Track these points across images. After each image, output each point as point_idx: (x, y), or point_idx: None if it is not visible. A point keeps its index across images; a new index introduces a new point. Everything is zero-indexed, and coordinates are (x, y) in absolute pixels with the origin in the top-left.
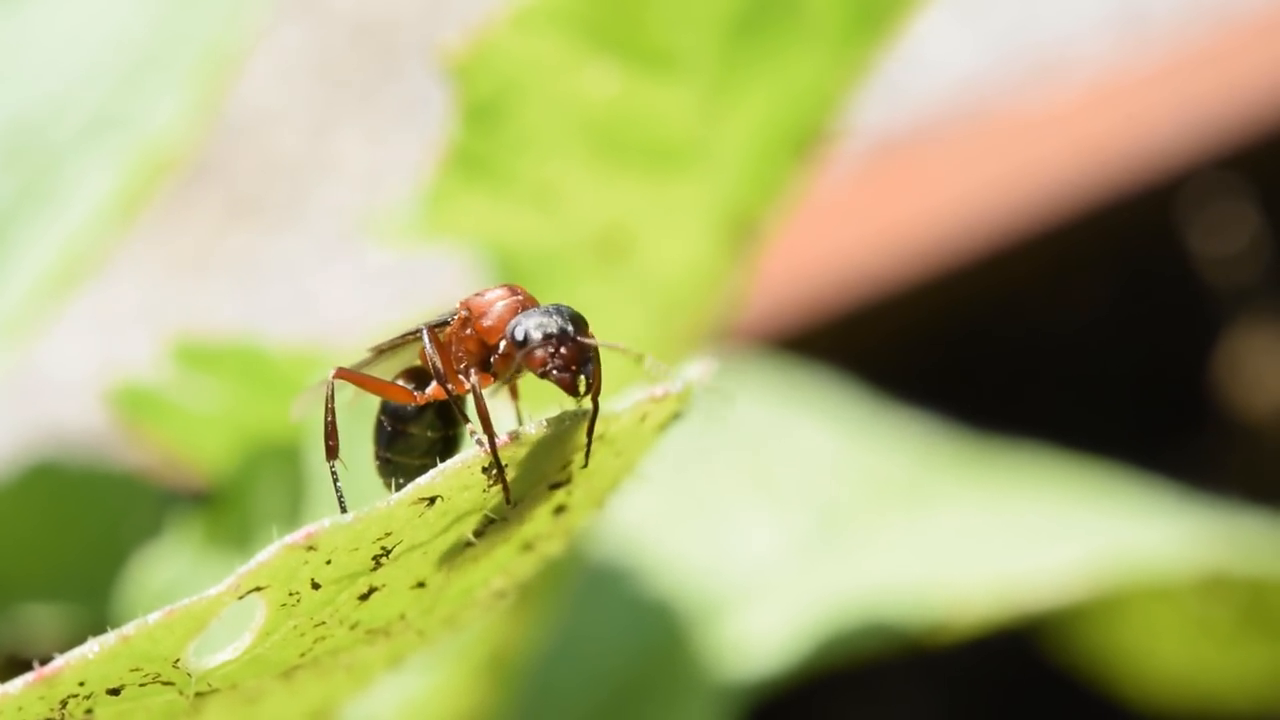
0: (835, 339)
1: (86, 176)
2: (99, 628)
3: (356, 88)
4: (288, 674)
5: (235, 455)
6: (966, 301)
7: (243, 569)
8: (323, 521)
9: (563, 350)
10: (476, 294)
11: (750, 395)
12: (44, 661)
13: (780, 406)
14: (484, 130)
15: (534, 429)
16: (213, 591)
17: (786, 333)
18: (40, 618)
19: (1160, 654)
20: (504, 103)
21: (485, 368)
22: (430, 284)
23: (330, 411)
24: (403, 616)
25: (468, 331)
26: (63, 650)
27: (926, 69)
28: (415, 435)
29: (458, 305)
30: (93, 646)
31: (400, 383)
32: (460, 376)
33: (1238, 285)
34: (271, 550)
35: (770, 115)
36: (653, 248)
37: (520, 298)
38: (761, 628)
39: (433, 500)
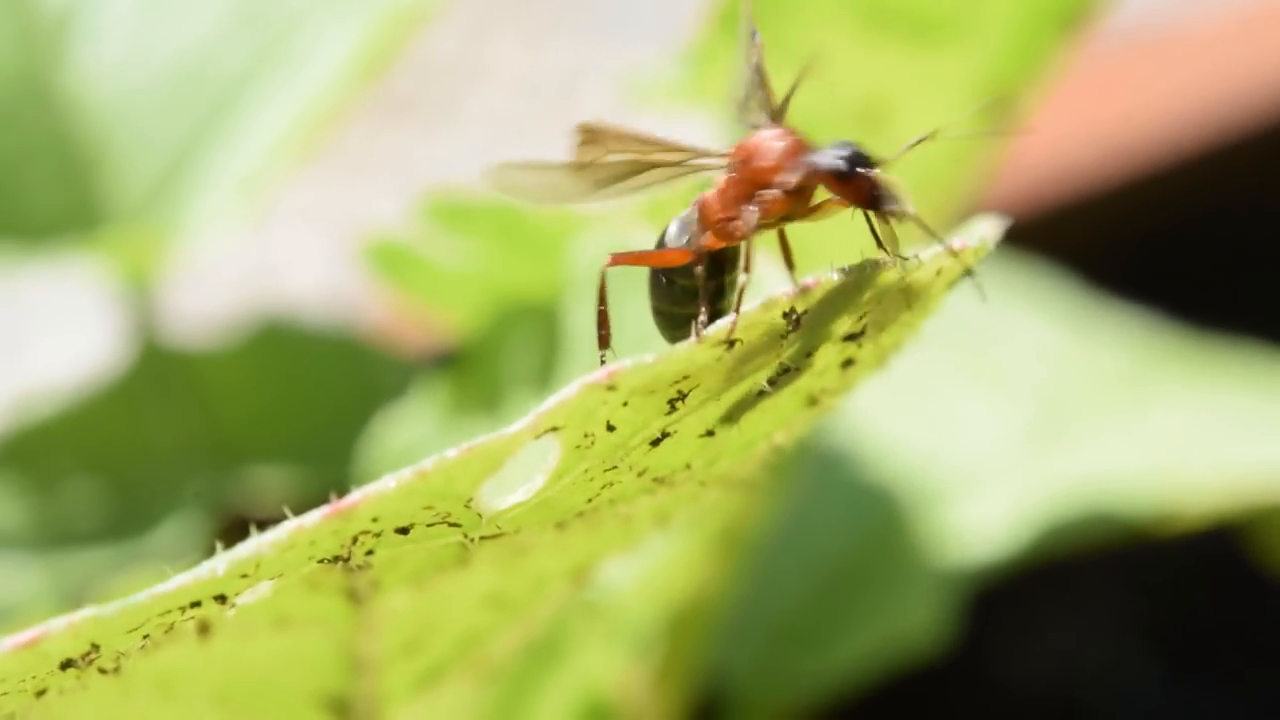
0: (1050, 232)
1: (323, 39)
2: (328, 491)
3: None
4: (563, 524)
5: (487, 315)
6: (1175, 201)
7: (541, 407)
8: (624, 361)
9: (879, 179)
10: (748, 137)
11: (969, 285)
12: (273, 521)
13: (999, 299)
14: None
15: (836, 275)
16: (510, 430)
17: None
18: (269, 479)
19: None
20: None
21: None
22: None
23: (603, 300)
24: (688, 465)
25: (739, 175)
26: (293, 510)
27: None
28: (689, 286)
29: (726, 150)
30: (389, 482)
31: (671, 240)
32: (738, 222)
33: None
34: (571, 389)
35: None
36: (912, 118)
37: (798, 135)
38: (982, 516)
39: (732, 344)
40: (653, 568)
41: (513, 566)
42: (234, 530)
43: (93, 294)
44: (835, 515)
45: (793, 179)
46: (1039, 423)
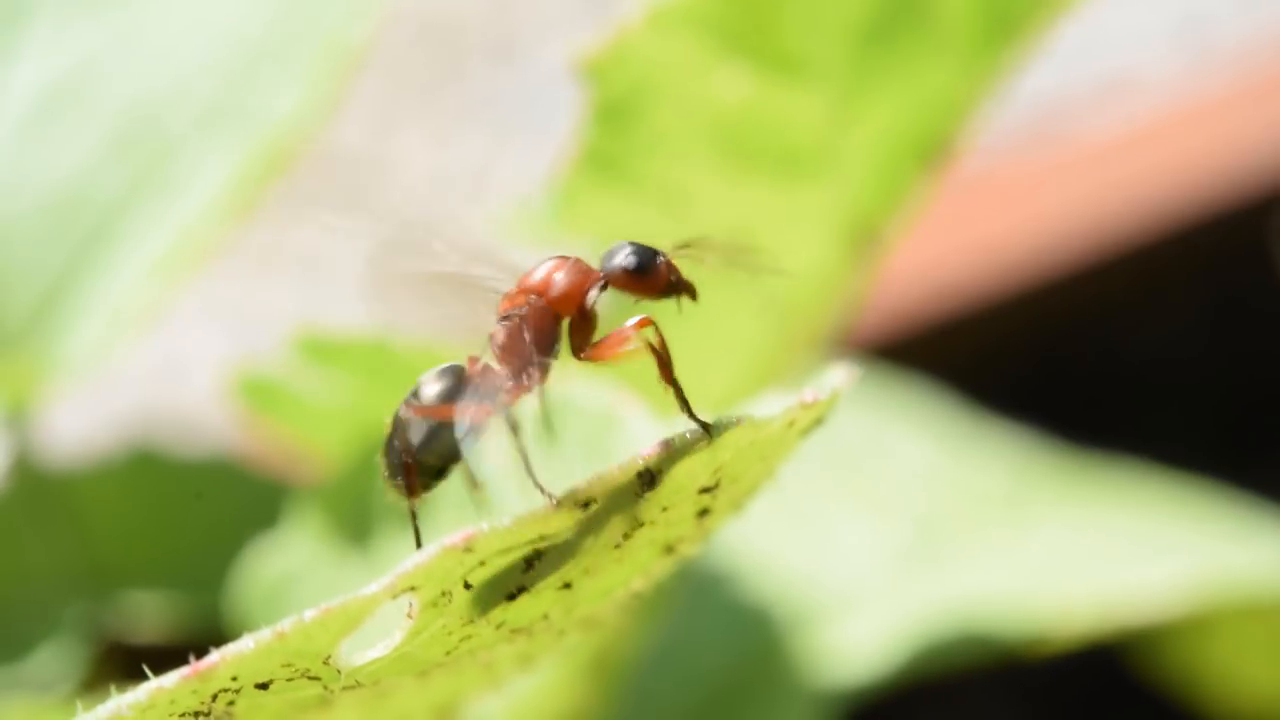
0: (928, 350)
1: (201, 167)
2: (204, 616)
3: (420, 87)
4: (425, 672)
5: (355, 448)
6: (1059, 316)
7: (399, 569)
8: (480, 525)
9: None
10: (526, 277)
11: (849, 405)
12: (153, 650)
13: (878, 417)
14: (616, 130)
15: (690, 436)
16: (368, 590)
17: (881, 343)
18: (144, 605)
19: (1249, 673)
20: (636, 103)
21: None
22: None
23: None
24: (546, 616)
25: (533, 312)
26: (168, 638)
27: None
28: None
29: (507, 297)
30: (248, 643)
31: (433, 395)
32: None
33: None
34: (429, 551)
35: (897, 124)
36: (777, 251)
37: (570, 258)
38: (857, 636)
39: (587, 504)
40: (525, 693)
41: (375, 707)
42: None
43: None
44: (711, 635)
45: (594, 293)
46: (916, 542)
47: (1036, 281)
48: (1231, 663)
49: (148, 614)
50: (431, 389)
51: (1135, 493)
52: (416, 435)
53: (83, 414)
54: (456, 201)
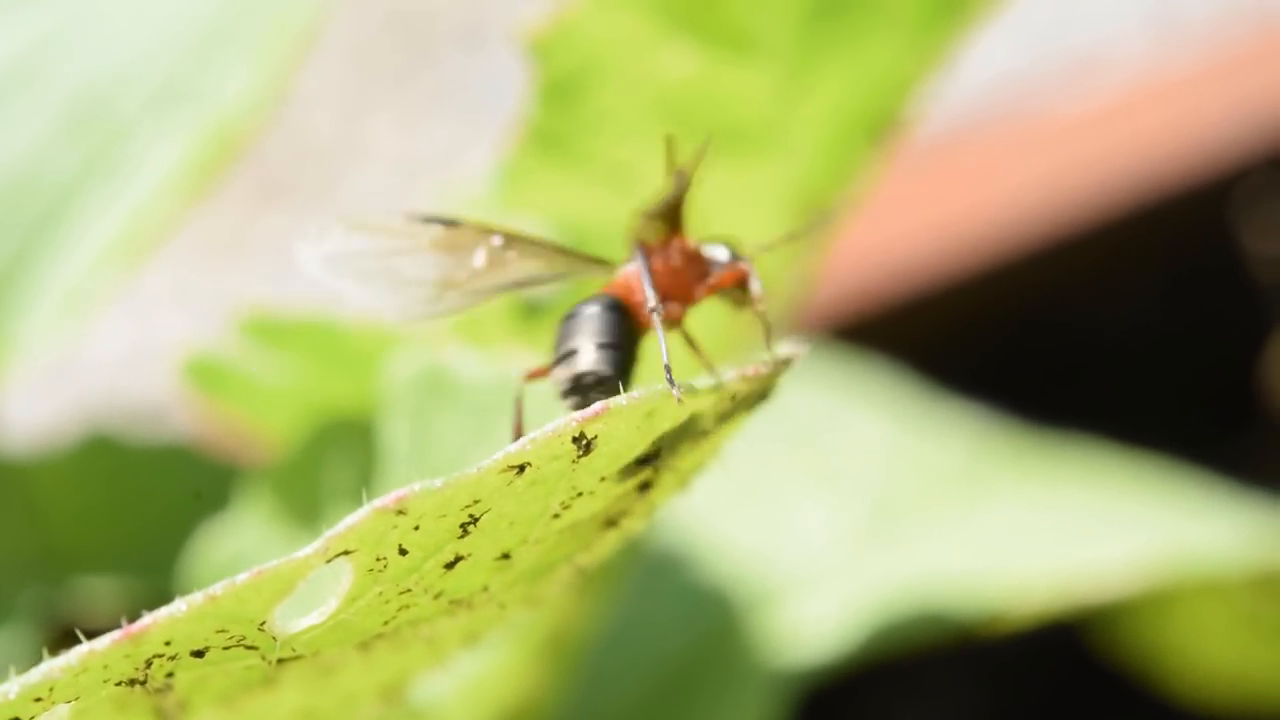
0: (888, 330)
1: (153, 149)
2: (158, 600)
3: (390, 74)
4: (366, 644)
5: (304, 430)
6: (1019, 295)
7: (331, 531)
8: (412, 485)
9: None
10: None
11: (806, 384)
12: (103, 632)
13: (835, 396)
14: (562, 108)
15: (625, 400)
16: (301, 553)
17: (840, 322)
18: (97, 590)
19: (1208, 650)
20: (582, 81)
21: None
22: None
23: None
24: (486, 588)
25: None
26: (121, 622)
27: (963, 67)
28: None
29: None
30: (180, 605)
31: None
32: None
33: None
34: (361, 513)
35: (845, 101)
36: (729, 228)
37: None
38: (814, 616)
39: (522, 468)
40: (478, 675)
41: (321, 686)
42: (64, 641)
43: None
44: (669, 617)
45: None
46: (872, 521)
47: (997, 260)
48: (1190, 640)
49: (101, 599)
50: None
51: (1094, 470)
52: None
53: (49, 400)
54: (425, 187)
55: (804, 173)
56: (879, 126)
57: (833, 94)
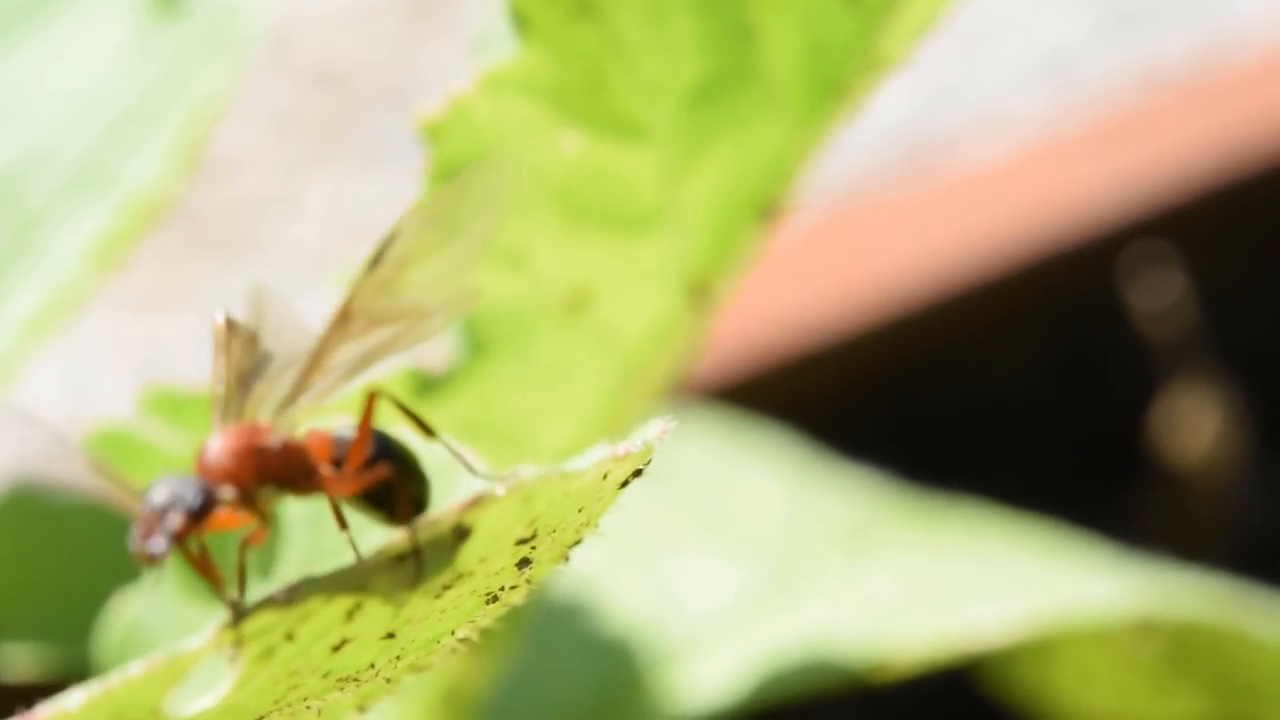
0: (777, 393)
1: (69, 228)
2: (75, 664)
3: (315, 133)
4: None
5: None
6: (906, 356)
7: (219, 623)
8: (299, 580)
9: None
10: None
11: (698, 445)
12: (27, 689)
13: (727, 456)
14: None
15: (502, 490)
16: (193, 644)
17: (731, 386)
18: (14, 654)
19: (1093, 691)
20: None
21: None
22: None
23: None
24: (372, 665)
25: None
26: (40, 688)
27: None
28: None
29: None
30: (76, 697)
31: None
32: None
33: (1175, 341)
34: (251, 605)
35: (731, 182)
36: (615, 308)
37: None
38: (708, 675)
39: (403, 558)
40: None
41: None
42: None
43: None
44: (565, 674)
45: None
46: (765, 579)
47: (885, 321)
48: (1076, 682)
49: (18, 663)
50: None
51: (981, 530)
52: None
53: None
54: (352, 237)
55: (692, 252)
56: (765, 205)
57: (719, 175)
